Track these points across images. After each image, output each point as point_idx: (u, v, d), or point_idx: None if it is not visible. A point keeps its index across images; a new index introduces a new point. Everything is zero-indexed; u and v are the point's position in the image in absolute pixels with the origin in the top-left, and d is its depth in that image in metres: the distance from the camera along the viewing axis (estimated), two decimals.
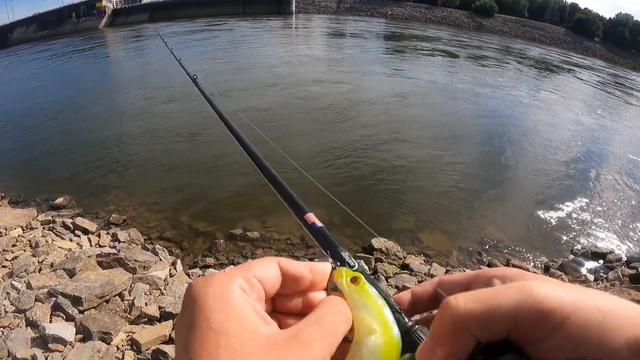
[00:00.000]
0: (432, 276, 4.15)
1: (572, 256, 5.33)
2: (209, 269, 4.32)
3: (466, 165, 7.60)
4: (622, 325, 0.23)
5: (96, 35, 34.32)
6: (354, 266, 0.40)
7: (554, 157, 8.57)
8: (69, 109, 10.80)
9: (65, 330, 2.89)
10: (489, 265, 4.85)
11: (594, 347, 0.23)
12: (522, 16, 59.68)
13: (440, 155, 7.91)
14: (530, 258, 5.19)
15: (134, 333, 2.99)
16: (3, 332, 2.89)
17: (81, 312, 3.18)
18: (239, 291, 0.29)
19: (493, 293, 0.27)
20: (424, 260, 4.72)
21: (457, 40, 31.86)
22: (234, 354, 0.25)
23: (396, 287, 3.94)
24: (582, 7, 63.49)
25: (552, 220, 6.08)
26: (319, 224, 0.50)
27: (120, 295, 3.49)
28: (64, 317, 3.12)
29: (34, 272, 3.75)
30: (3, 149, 8.15)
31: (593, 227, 6.08)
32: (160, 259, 4.19)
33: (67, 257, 3.99)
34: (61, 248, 4.27)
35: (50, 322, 3.04)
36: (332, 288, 0.36)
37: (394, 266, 4.43)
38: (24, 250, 4.20)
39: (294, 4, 49.20)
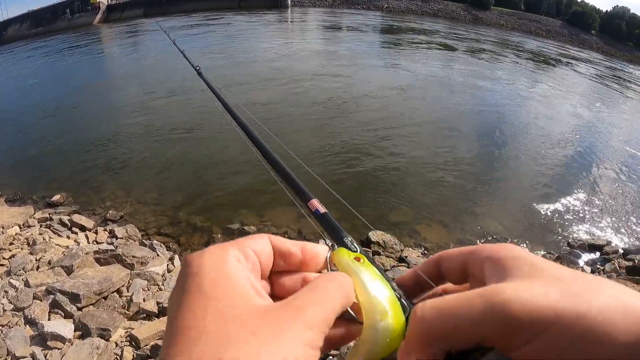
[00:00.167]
0: None
1: (569, 248, 5.36)
2: None
3: (463, 158, 7.61)
4: (618, 323, 0.22)
5: (91, 31, 34.02)
6: (357, 251, 0.39)
7: (551, 149, 8.59)
8: (65, 106, 10.72)
9: (63, 327, 2.89)
10: None
11: (586, 348, 0.22)
12: (518, 9, 59.49)
13: (437, 148, 7.90)
14: (528, 250, 5.21)
15: (133, 329, 2.99)
16: (2, 331, 2.89)
17: (79, 309, 3.18)
18: (234, 261, 0.28)
19: (458, 303, 0.25)
20: (422, 253, 4.74)
21: (454, 33, 31.74)
22: (222, 317, 0.24)
23: (393, 279, 3.94)
24: (579, 0, 63.45)
25: (550, 213, 6.11)
26: (322, 209, 0.49)
27: (118, 291, 3.49)
28: (63, 314, 3.12)
29: (32, 270, 3.75)
30: None
31: (590, 219, 6.11)
32: (158, 255, 4.19)
33: (64, 255, 3.98)
34: (58, 245, 4.27)
35: (49, 319, 3.04)
36: (331, 270, 0.36)
37: (391, 259, 4.45)
38: (22, 249, 4.18)
39: None
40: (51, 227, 4.73)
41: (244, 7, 43.57)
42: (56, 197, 5.66)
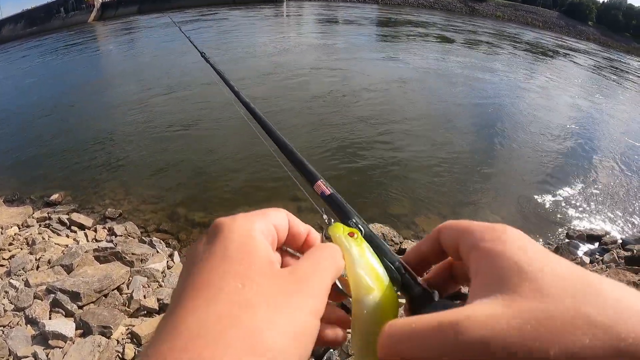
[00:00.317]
0: None
1: (567, 239, 5.38)
2: None
3: (462, 150, 7.61)
4: (595, 334, 0.21)
5: (86, 29, 33.75)
6: (362, 231, 0.40)
7: (550, 141, 8.59)
8: (62, 104, 10.66)
9: (65, 326, 2.90)
10: None
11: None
12: (514, 0, 59.21)
13: (436, 140, 7.90)
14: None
15: (134, 326, 3.00)
16: (3, 331, 2.89)
17: (80, 307, 3.19)
18: (259, 232, 0.31)
19: (420, 329, 0.25)
20: None
21: (451, 25, 31.61)
22: (240, 280, 0.27)
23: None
24: None
25: (548, 204, 6.12)
26: (328, 191, 0.49)
27: (119, 289, 3.49)
28: (64, 313, 3.12)
29: (32, 269, 3.75)
30: None
31: (589, 210, 6.13)
32: (158, 251, 4.19)
33: (64, 253, 3.98)
34: (58, 244, 4.26)
35: (50, 318, 3.05)
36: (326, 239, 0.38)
37: None
38: (21, 249, 4.18)
39: None
40: (50, 227, 4.72)
41: (239, 2, 43.27)
42: (55, 196, 5.64)
